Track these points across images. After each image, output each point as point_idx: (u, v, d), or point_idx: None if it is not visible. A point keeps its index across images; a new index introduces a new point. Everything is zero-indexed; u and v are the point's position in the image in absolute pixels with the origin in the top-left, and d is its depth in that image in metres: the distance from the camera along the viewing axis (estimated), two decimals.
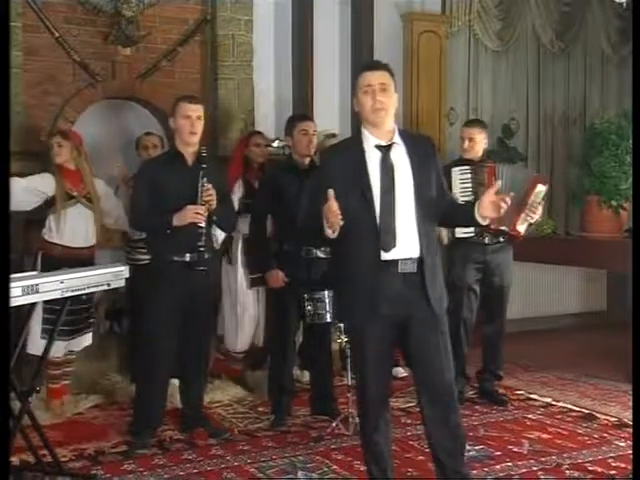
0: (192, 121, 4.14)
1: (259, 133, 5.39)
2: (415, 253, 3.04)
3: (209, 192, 4.07)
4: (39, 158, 5.13)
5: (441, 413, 3.13)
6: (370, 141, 3.11)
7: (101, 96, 5.48)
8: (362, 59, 6.37)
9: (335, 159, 3.20)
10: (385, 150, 3.09)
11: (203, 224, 4.09)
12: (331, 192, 2.90)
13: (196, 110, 4.17)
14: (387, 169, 3.06)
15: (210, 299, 4.29)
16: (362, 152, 3.10)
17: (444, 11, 6.78)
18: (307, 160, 4.55)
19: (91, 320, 4.73)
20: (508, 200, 3.00)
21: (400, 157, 3.10)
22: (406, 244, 3.03)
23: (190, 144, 4.19)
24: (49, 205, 4.53)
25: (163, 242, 4.14)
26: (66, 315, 4.40)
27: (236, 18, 5.78)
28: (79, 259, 4.39)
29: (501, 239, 4.79)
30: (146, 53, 5.58)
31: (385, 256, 3.01)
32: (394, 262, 3.02)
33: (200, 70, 5.81)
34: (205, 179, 4.07)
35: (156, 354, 4.15)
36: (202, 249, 4.12)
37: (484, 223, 3.14)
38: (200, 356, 4.34)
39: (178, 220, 4.05)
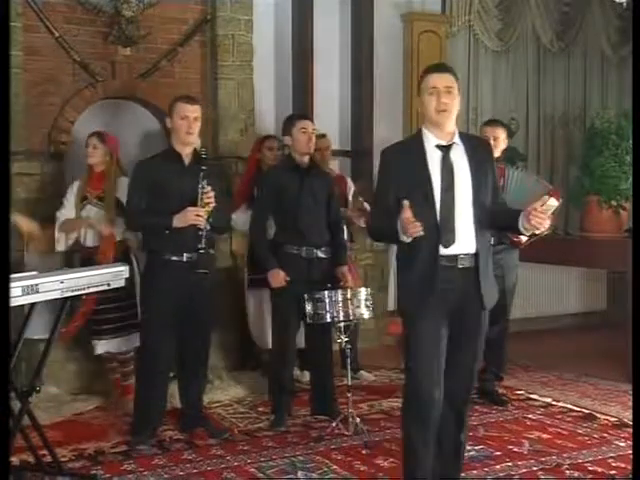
0: (189, 122, 4.14)
1: (272, 137, 5.37)
2: (472, 249, 3.12)
3: (209, 195, 4.08)
4: (40, 158, 5.14)
5: (457, 408, 3.22)
6: (431, 141, 3.17)
7: (101, 96, 5.47)
8: (362, 59, 6.39)
9: (397, 159, 3.24)
10: (445, 150, 3.15)
11: (203, 226, 4.10)
12: (406, 203, 2.99)
13: (194, 111, 4.18)
14: (447, 168, 3.13)
15: (210, 299, 4.28)
16: (423, 152, 3.16)
17: (444, 11, 6.79)
18: (307, 158, 4.55)
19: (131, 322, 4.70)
20: (544, 215, 3.00)
21: (460, 157, 3.17)
22: (464, 240, 3.11)
23: (187, 144, 4.20)
24: None
25: (160, 242, 4.13)
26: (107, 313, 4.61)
27: (236, 18, 5.77)
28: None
29: (504, 241, 4.79)
30: (146, 53, 5.56)
31: (444, 252, 3.08)
32: (453, 257, 3.10)
33: (200, 70, 5.80)
34: (205, 181, 4.08)
35: (156, 354, 4.15)
36: (202, 251, 4.12)
37: (527, 234, 3.24)
38: (200, 356, 4.34)
39: (178, 221, 4.05)
